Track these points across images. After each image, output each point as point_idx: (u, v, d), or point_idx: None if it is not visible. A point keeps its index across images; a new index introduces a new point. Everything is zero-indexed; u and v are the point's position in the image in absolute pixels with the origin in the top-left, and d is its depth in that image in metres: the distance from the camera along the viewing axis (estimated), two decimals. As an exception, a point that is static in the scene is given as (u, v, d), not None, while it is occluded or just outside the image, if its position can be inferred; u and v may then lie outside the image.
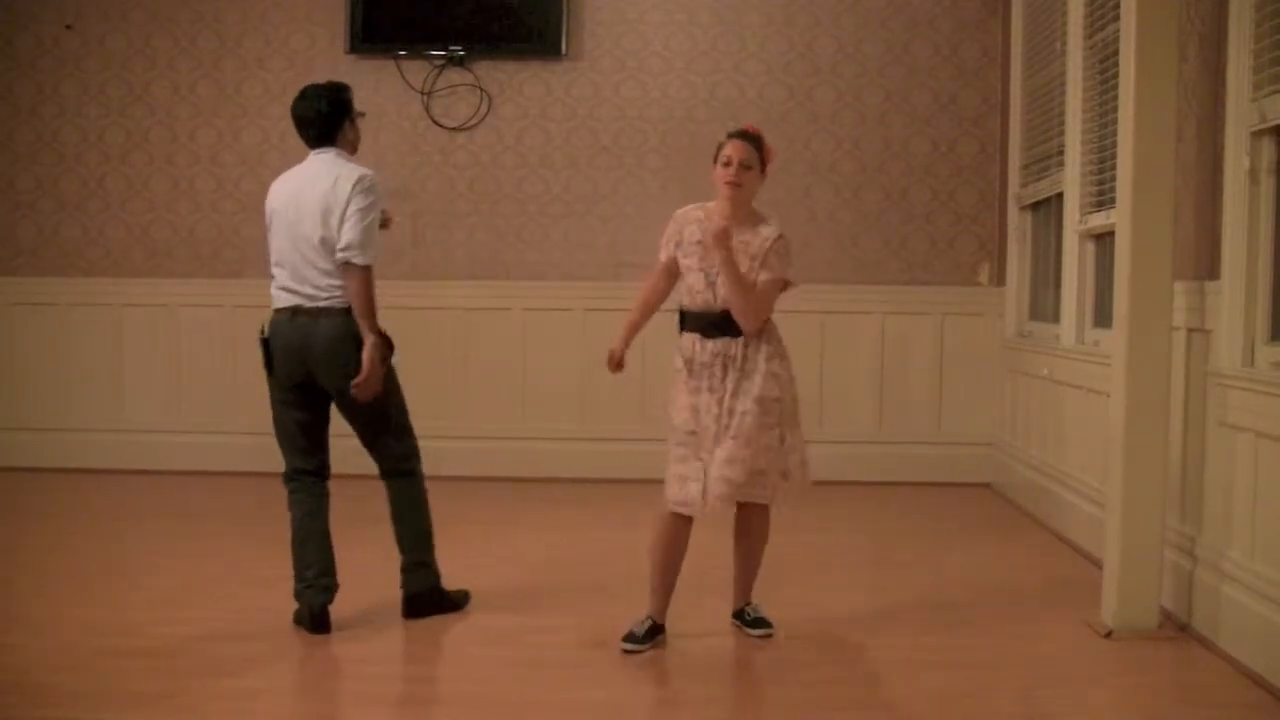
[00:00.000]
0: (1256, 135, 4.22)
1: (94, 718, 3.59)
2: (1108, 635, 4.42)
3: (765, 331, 4.28)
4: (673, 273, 4.39)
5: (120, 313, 7.87)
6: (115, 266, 7.89)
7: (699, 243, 4.26)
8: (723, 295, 4.20)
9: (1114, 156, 5.18)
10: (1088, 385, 5.76)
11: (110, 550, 5.74)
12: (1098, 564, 5.01)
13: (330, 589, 4.42)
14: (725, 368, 4.22)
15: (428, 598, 4.58)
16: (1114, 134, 5.21)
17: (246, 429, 7.51)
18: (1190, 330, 4.55)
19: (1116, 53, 5.06)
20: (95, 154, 7.89)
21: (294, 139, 7.46)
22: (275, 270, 4.44)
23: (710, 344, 4.23)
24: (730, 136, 4.29)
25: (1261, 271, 4.25)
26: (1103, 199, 5.73)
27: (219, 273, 7.82)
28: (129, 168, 7.88)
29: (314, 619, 4.37)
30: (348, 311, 4.33)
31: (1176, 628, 4.49)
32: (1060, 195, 6.38)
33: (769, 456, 4.22)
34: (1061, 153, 6.33)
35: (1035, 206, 7.10)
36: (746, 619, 4.47)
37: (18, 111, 7.89)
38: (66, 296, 7.88)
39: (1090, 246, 6.06)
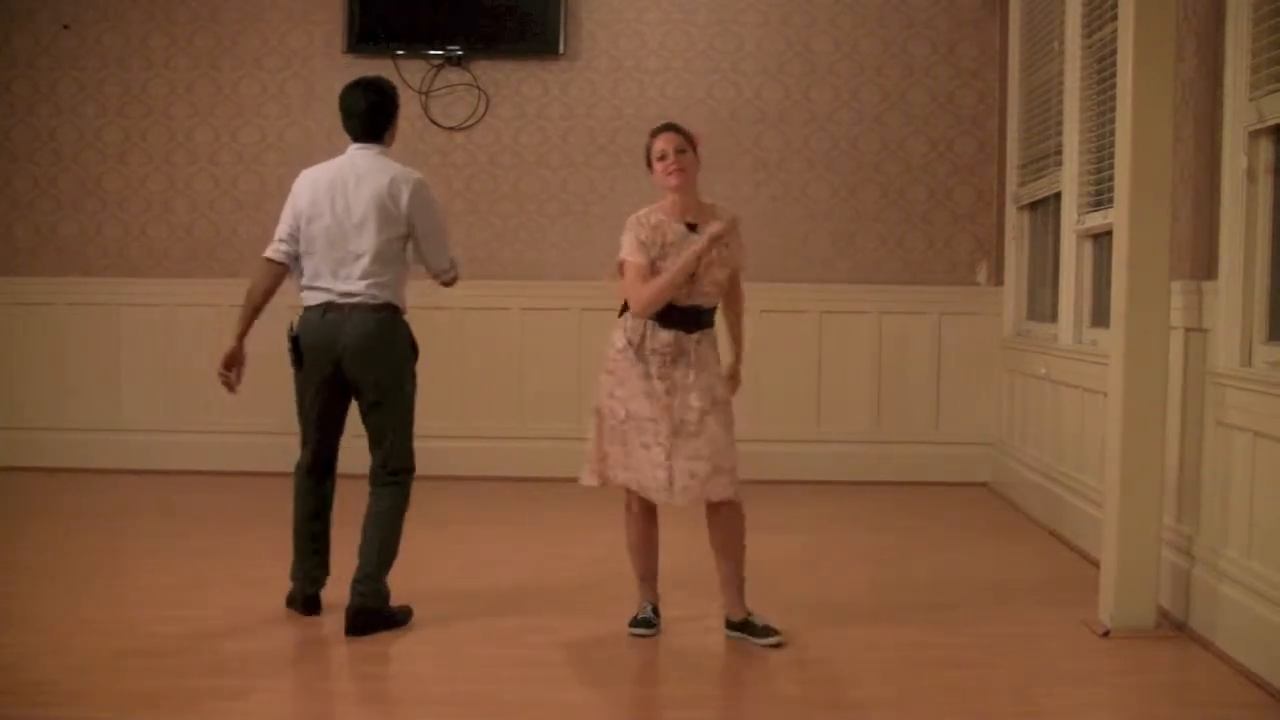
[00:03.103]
0: (1254, 135, 4.23)
1: (93, 717, 3.59)
2: (1105, 634, 4.43)
3: (712, 331, 4.38)
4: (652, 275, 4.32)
5: (118, 312, 7.87)
6: (113, 266, 7.89)
7: (674, 243, 4.28)
8: (703, 287, 4.29)
9: (1112, 156, 5.18)
10: (1085, 385, 5.77)
11: (108, 550, 5.73)
12: (1095, 563, 5.02)
13: (322, 578, 4.53)
14: (675, 359, 4.26)
15: (372, 615, 4.39)
16: (1112, 133, 5.22)
17: (244, 429, 7.52)
18: (1188, 330, 4.56)
19: (1114, 52, 5.07)
20: (93, 153, 7.89)
21: (292, 137, 7.57)
22: (305, 261, 4.38)
23: (663, 333, 4.27)
24: (655, 133, 4.34)
25: (1259, 271, 4.26)
26: (1100, 198, 5.74)
27: (216, 272, 7.82)
28: (126, 167, 7.88)
29: (305, 601, 4.48)
30: (382, 308, 4.34)
31: (1174, 627, 4.50)
32: (1058, 195, 6.39)
33: (729, 454, 4.29)
34: (1059, 152, 6.34)
35: (1033, 206, 7.10)
36: (754, 629, 4.34)
37: (15, 111, 7.88)
38: (64, 296, 7.87)
39: (1088, 246, 6.07)
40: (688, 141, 4.31)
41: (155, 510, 6.71)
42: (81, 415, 7.86)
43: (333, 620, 4.45)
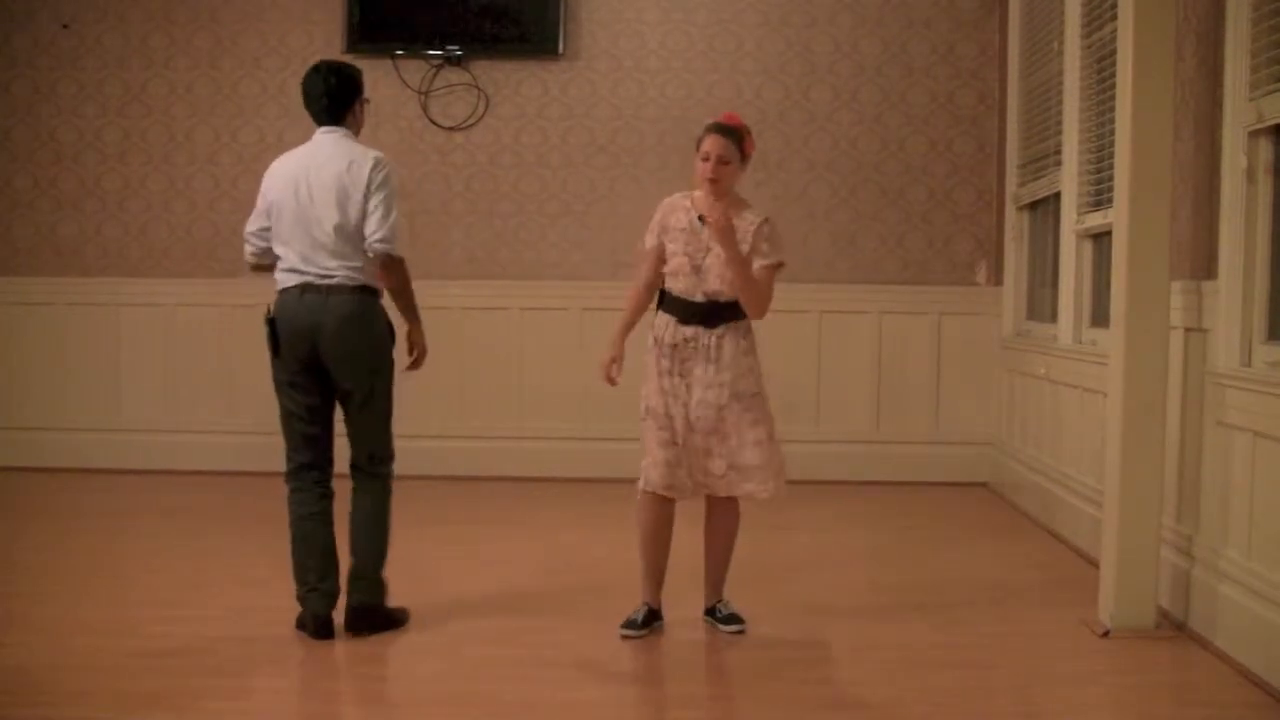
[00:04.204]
0: (1254, 134, 4.23)
1: (93, 717, 3.59)
2: (1105, 634, 4.43)
3: (738, 325, 4.33)
4: (660, 259, 4.42)
5: (117, 312, 7.87)
6: (112, 266, 7.89)
7: (684, 229, 4.32)
8: (709, 281, 4.26)
9: (1111, 156, 5.18)
10: (1085, 385, 5.77)
11: (108, 550, 5.73)
12: (1095, 563, 5.02)
13: (333, 594, 4.35)
14: (695, 355, 4.27)
15: (373, 612, 4.39)
16: (1111, 133, 5.22)
17: (243, 428, 7.51)
18: (1187, 330, 4.56)
19: (1114, 52, 5.07)
20: (92, 153, 7.89)
21: (291, 137, 7.53)
22: (279, 249, 4.34)
23: (684, 329, 4.29)
24: (709, 130, 4.33)
25: (1259, 271, 4.26)
26: (1100, 198, 5.74)
27: (216, 272, 7.82)
28: (126, 167, 7.88)
29: (317, 626, 4.30)
30: (360, 290, 4.30)
31: (1173, 627, 4.50)
32: (1058, 195, 6.39)
33: (760, 452, 4.28)
34: (1059, 152, 6.34)
35: (1033, 206, 7.10)
36: (719, 615, 4.51)
37: (15, 111, 7.88)
38: (64, 296, 7.87)
39: (1088, 246, 6.06)
40: (737, 148, 4.30)
41: (155, 510, 6.71)
42: (81, 415, 7.86)
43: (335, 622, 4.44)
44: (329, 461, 4.46)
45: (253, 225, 4.42)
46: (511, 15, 7.61)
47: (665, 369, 4.29)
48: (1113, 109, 5.07)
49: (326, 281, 4.27)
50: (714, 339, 4.28)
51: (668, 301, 4.37)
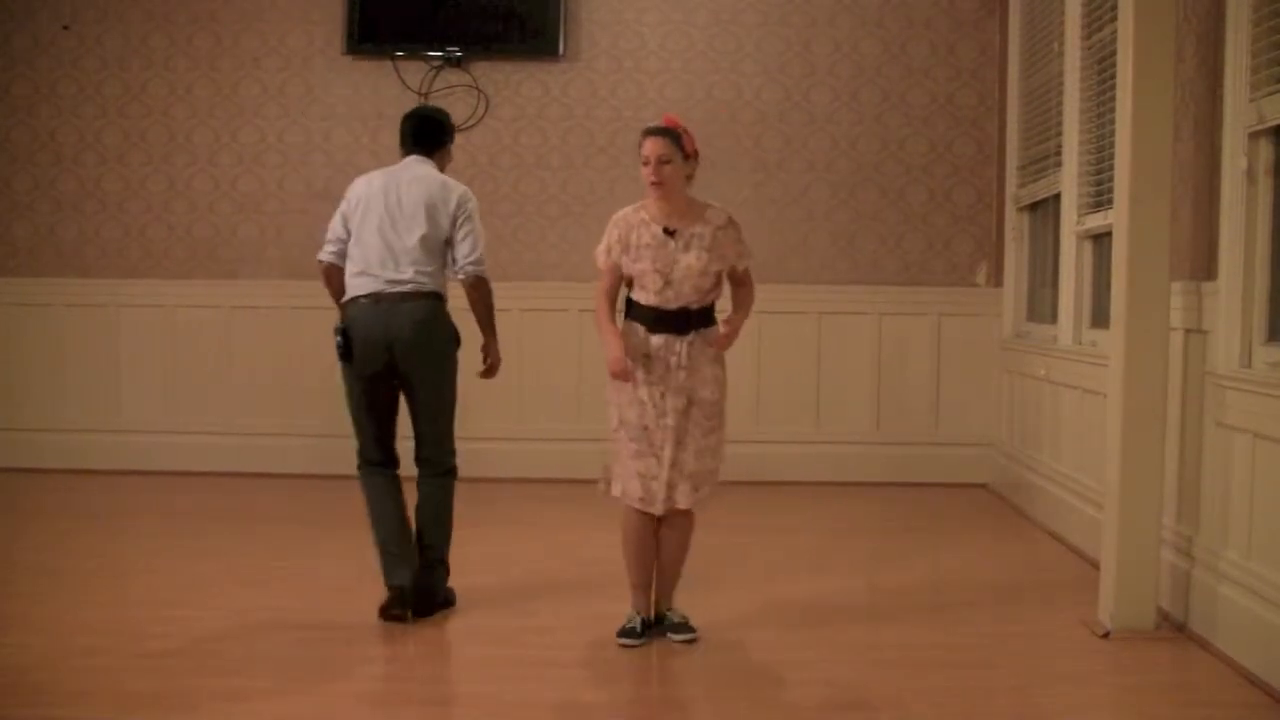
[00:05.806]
0: (1254, 136, 4.23)
1: (93, 717, 3.59)
2: (1105, 635, 4.43)
3: (708, 332, 4.32)
4: (621, 274, 4.36)
5: (117, 313, 7.87)
6: (112, 267, 7.88)
7: (649, 245, 4.27)
8: (684, 293, 4.25)
9: (1112, 157, 5.18)
10: (1085, 386, 5.77)
11: (107, 550, 5.74)
12: (1095, 564, 5.02)
13: (415, 564, 4.54)
14: (666, 362, 4.26)
15: (441, 596, 4.69)
16: (1112, 134, 5.22)
17: (243, 429, 7.51)
18: (1187, 331, 4.56)
19: (1114, 53, 5.08)
20: (92, 154, 7.89)
21: (292, 138, 7.59)
22: (354, 249, 4.56)
23: (655, 337, 4.27)
24: (644, 135, 4.30)
25: (1259, 272, 4.26)
26: (1100, 199, 5.74)
27: (215, 273, 7.82)
28: (126, 168, 7.88)
29: (409, 596, 4.46)
30: (430, 295, 4.54)
31: (1173, 628, 4.50)
32: (1058, 196, 6.39)
33: (703, 461, 4.30)
34: (1059, 153, 6.34)
35: (1033, 207, 7.11)
36: (669, 623, 4.42)
37: (15, 111, 7.88)
38: (63, 297, 7.87)
39: (1088, 247, 6.07)
40: (676, 147, 4.24)
41: (155, 510, 6.71)
42: (80, 416, 7.86)
43: (329, 620, 4.44)
44: (396, 459, 4.69)
45: (330, 234, 4.67)
46: (511, 16, 7.61)
47: (641, 379, 4.26)
48: (1113, 110, 5.08)
49: (399, 289, 4.51)
50: (684, 345, 4.27)
51: (637, 310, 4.32)
